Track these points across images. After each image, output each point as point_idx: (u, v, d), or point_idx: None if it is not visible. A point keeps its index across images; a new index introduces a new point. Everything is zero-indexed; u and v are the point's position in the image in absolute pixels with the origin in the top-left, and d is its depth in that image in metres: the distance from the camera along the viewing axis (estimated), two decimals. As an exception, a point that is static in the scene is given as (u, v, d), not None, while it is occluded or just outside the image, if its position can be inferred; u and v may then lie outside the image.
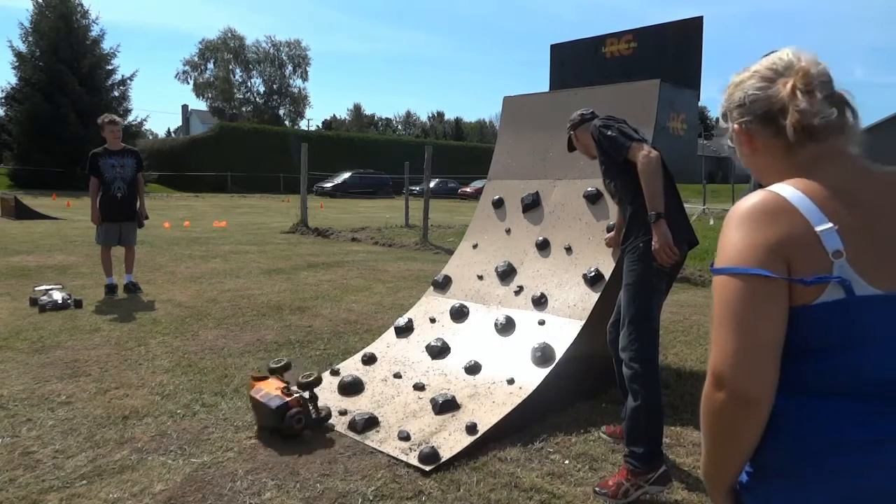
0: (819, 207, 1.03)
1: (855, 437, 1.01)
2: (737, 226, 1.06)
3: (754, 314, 1.01)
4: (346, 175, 36.42)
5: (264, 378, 3.41)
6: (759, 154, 1.18)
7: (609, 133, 2.91)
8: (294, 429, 3.14)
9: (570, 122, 3.32)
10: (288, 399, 3.16)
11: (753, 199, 1.07)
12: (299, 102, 63.57)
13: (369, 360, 4.07)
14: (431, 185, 13.42)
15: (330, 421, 3.34)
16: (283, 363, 3.53)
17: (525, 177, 4.61)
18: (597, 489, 2.68)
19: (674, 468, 2.91)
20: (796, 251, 1.02)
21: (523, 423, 3.27)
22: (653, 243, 2.73)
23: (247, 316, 5.74)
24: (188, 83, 60.61)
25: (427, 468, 2.85)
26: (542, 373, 3.43)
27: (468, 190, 35.49)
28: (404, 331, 4.28)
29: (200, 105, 62.72)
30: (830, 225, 1.01)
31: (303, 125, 63.72)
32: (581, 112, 3.30)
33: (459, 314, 4.20)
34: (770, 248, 1.02)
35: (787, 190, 1.06)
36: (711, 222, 14.95)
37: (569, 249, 4.04)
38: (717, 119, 1.26)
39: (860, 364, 1.01)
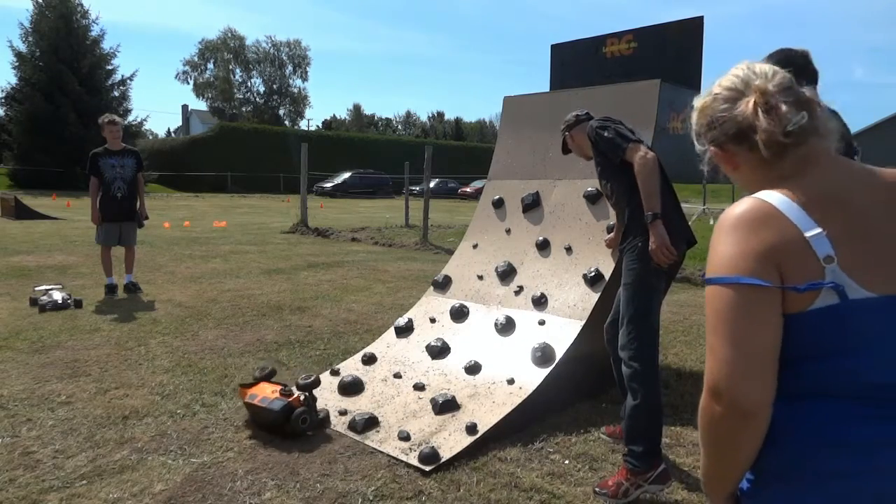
0: (807, 213, 1.02)
1: (852, 440, 1.01)
2: (726, 234, 1.06)
3: (748, 324, 1.00)
4: (346, 175, 36.41)
5: (253, 384, 3.41)
6: (742, 170, 1.18)
7: (606, 134, 2.91)
8: (299, 428, 3.14)
9: (565, 124, 3.31)
10: (289, 399, 3.16)
11: (741, 207, 1.07)
12: (299, 102, 63.58)
13: (369, 360, 4.07)
14: (431, 185, 13.42)
15: (330, 421, 3.34)
16: (267, 370, 3.54)
17: (525, 177, 4.61)
18: (597, 489, 2.68)
19: (674, 468, 2.91)
20: (787, 258, 1.01)
21: (523, 423, 3.27)
22: (650, 244, 2.73)
23: (247, 316, 5.74)
24: (188, 83, 60.71)
25: (427, 468, 2.85)
26: (542, 373, 3.43)
27: (468, 190, 35.48)
28: (404, 331, 4.28)
29: (200, 105, 62.79)
30: (819, 230, 1.01)
31: (303, 125, 63.81)
32: (576, 113, 3.29)
33: (459, 314, 4.20)
34: (761, 256, 1.01)
35: (775, 196, 1.06)
36: (711, 222, 14.95)
37: (569, 249, 4.04)
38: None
39: (856, 368, 1.01)
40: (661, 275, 2.85)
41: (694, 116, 1.21)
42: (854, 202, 1.05)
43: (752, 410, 1.00)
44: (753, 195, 1.09)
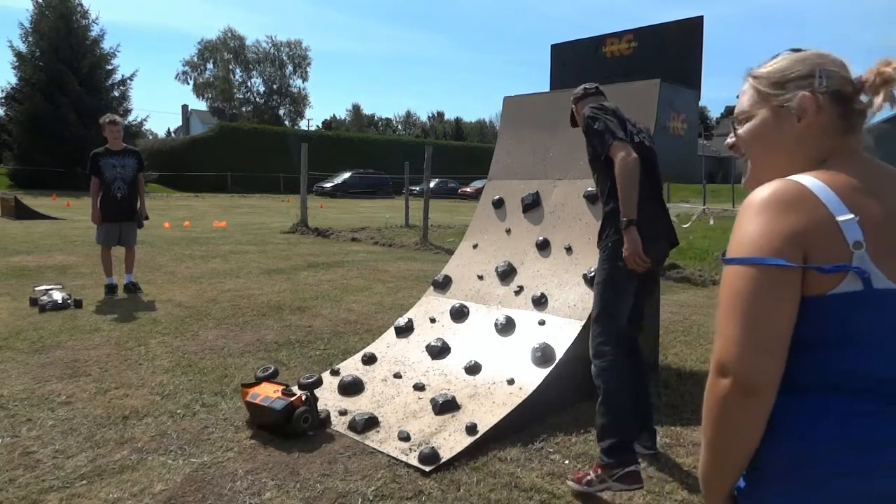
0: (841, 198, 1.01)
1: (857, 437, 0.98)
2: (755, 214, 1.03)
3: (767, 305, 0.98)
4: (346, 175, 36.41)
5: (255, 384, 3.42)
6: (813, 127, 1.12)
7: (595, 126, 2.84)
8: (301, 428, 3.15)
9: (574, 96, 3.22)
10: (291, 399, 3.17)
11: (773, 187, 1.04)
12: (299, 102, 63.59)
13: (369, 360, 4.07)
14: (431, 185, 13.42)
15: (331, 421, 3.34)
16: (270, 370, 3.56)
17: (525, 177, 4.61)
18: (569, 475, 2.72)
19: (674, 468, 2.91)
20: (815, 241, 0.99)
21: (523, 423, 3.27)
22: (623, 250, 2.71)
23: (247, 316, 5.74)
24: (188, 83, 60.74)
25: (427, 468, 2.85)
26: (542, 373, 3.43)
27: (468, 190, 35.48)
28: (404, 331, 4.28)
29: (200, 105, 62.80)
30: (852, 216, 0.99)
31: (303, 125, 63.84)
32: (584, 86, 3.20)
33: (459, 314, 4.20)
34: (788, 238, 0.99)
35: (808, 179, 1.03)
36: (711, 222, 14.90)
37: (569, 249, 4.04)
38: (737, 98, 1.21)
39: (869, 360, 0.99)
40: (632, 276, 2.80)
41: (786, 62, 1.15)
42: (885, 197, 1.04)
43: (757, 388, 0.97)
44: (785, 178, 1.06)
